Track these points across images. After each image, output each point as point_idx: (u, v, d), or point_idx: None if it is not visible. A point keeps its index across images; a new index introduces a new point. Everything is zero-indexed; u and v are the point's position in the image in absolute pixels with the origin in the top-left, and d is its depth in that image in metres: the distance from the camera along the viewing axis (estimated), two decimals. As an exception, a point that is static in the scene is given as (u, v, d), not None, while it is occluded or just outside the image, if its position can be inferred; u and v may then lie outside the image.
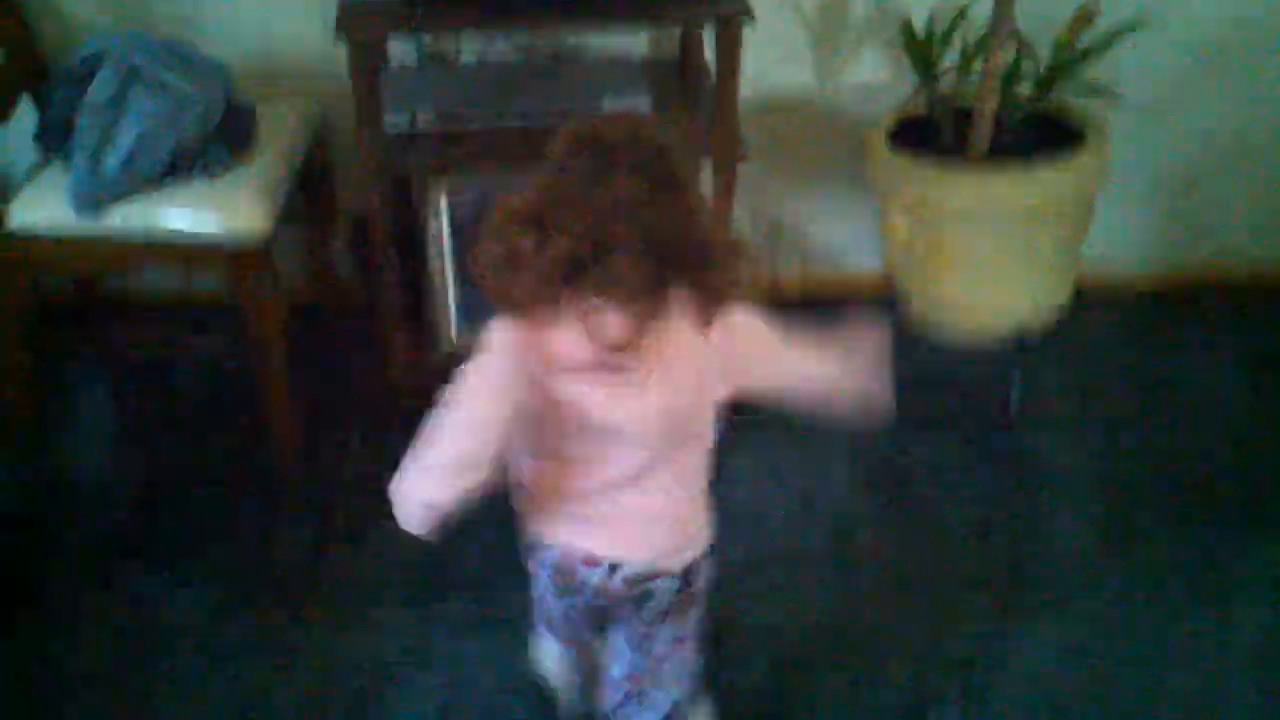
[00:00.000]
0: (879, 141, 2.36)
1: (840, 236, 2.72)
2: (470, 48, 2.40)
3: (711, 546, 1.59)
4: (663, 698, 1.68)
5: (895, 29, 2.39)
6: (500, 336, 1.39)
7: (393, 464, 1.43)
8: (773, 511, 2.23)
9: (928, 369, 2.54)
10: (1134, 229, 2.71)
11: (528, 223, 1.31)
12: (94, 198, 2.07)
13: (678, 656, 1.65)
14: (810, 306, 2.68)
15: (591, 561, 1.52)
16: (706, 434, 1.53)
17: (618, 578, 1.53)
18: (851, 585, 2.11)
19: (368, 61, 2.09)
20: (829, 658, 1.97)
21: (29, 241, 2.13)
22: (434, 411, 1.39)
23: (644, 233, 1.29)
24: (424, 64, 2.33)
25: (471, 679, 1.93)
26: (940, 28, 2.35)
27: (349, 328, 2.61)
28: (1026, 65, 2.31)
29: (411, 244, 2.35)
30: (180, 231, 2.11)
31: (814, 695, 1.92)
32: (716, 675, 1.90)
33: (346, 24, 2.09)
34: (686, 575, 1.56)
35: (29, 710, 1.91)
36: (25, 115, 2.25)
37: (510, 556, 1.69)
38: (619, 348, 1.35)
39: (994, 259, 2.32)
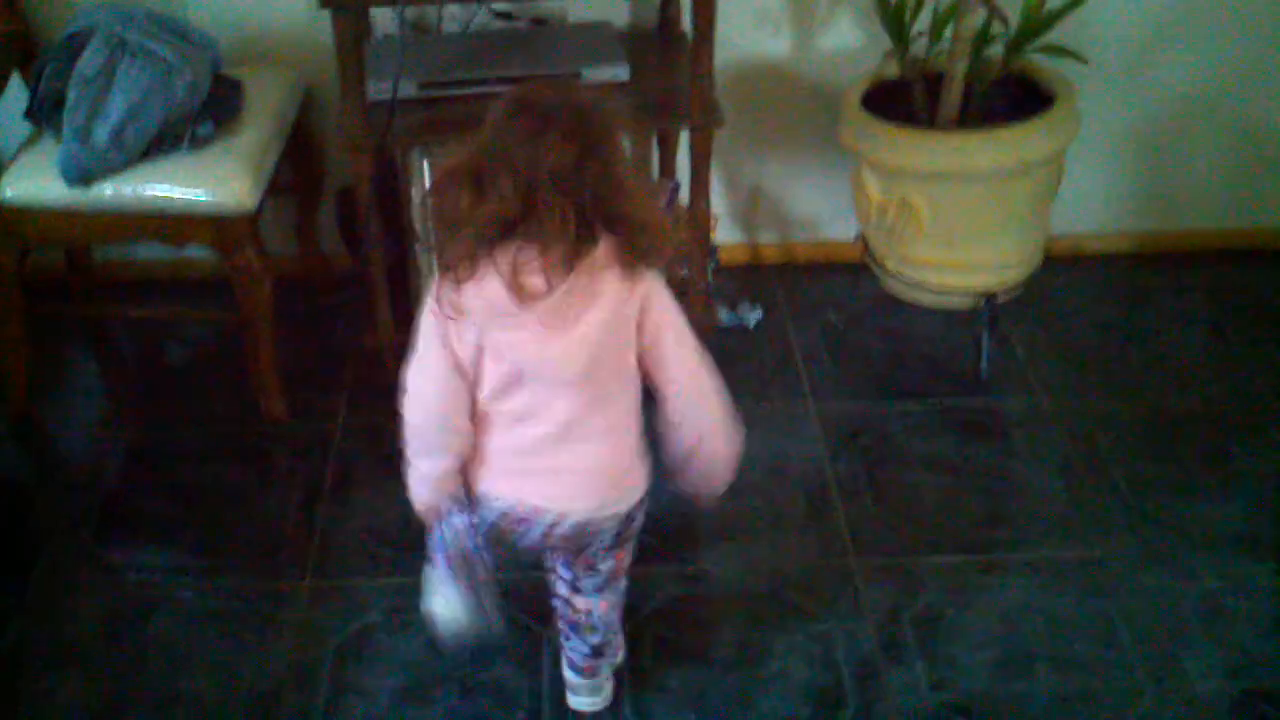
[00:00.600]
0: (852, 104, 2.41)
1: (817, 204, 2.76)
2: (452, 16, 2.44)
3: (646, 493, 1.67)
4: (587, 639, 1.81)
5: (868, -5, 2.43)
6: (439, 294, 1.50)
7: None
8: (745, 474, 2.25)
9: (899, 331, 2.60)
10: (1102, 191, 2.75)
11: (465, 180, 1.44)
12: (84, 169, 2.11)
13: (610, 591, 1.77)
14: (788, 272, 2.77)
15: (537, 512, 1.61)
16: (633, 383, 1.61)
17: (564, 525, 1.62)
18: (821, 545, 2.15)
19: (351, 31, 2.12)
20: (798, 613, 2.02)
21: (21, 213, 2.19)
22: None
23: (571, 194, 1.41)
24: (406, 33, 2.37)
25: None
26: (912, -7, 2.40)
27: (335, 298, 2.66)
28: (996, 29, 2.34)
29: (396, 212, 2.40)
30: (169, 202, 2.16)
31: (784, 649, 1.96)
32: (688, 634, 1.98)
33: (330, -6, 2.13)
34: (626, 519, 1.67)
35: (23, 675, 1.95)
36: (14, 91, 2.30)
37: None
38: (544, 296, 1.46)
39: (966, 221, 2.37)
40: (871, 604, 2.04)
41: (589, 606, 1.78)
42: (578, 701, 1.88)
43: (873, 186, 2.41)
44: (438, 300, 1.51)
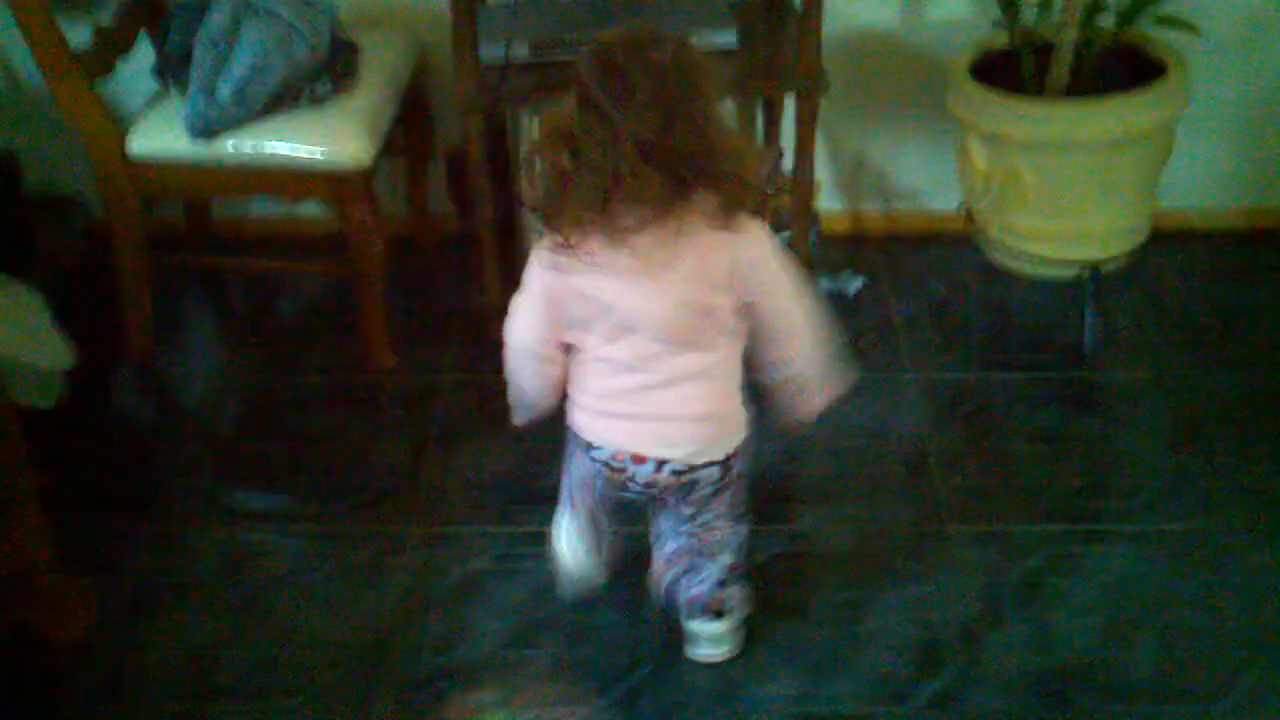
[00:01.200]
0: (960, 73, 2.41)
1: (921, 174, 2.76)
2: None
3: (746, 442, 1.72)
4: (711, 567, 1.83)
5: (977, -36, 2.43)
6: (544, 253, 1.59)
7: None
8: (847, 442, 2.27)
9: (1003, 302, 2.59)
10: (1213, 166, 2.71)
11: (561, 144, 1.50)
12: (209, 124, 2.19)
13: (721, 532, 1.80)
14: (890, 242, 2.77)
15: (640, 459, 1.67)
16: (732, 332, 1.65)
17: (666, 471, 1.67)
18: (920, 511, 2.15)
19: (465, -6, 2.17)
20: (897, 576, 2.03)
21: (147, 166, 2.27)
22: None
23: (658, 158, 1.46)
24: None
25: (552, 589, 2.00)
26: (1022, -39, 2.39)
27: (443, 258, 2.71)
28: (1107, -1, 2.34)
29: (505, 174, 2.44)
30: (288, 158, 2.23)
31: (883, 609, 1.97)
32: (788, 590, 2.00)
33: (445, -42, 2.17)
34: (727, 462, 1.71)
35: (144, 608, 2.03)
36: (140, 52, 2.38)
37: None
38: (637, 250, 1.52)
39: (1071, 191, 2.36)
40: (971, 569, 2.04)
41: (711, 534, 1.81)
42: (699, 652, 1.89)
43: (979, 156, 2.41)
44: (544, 251, 1.59)
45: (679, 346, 1.61)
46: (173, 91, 2.28)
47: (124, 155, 2.26)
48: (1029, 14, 2.40)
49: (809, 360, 1.71)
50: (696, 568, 1.84)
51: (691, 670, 1.89)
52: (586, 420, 1.70)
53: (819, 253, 2.60)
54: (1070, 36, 2.31)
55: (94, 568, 2.05)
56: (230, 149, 2.22)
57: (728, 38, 2.31)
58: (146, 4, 2.42)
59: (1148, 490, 2.18)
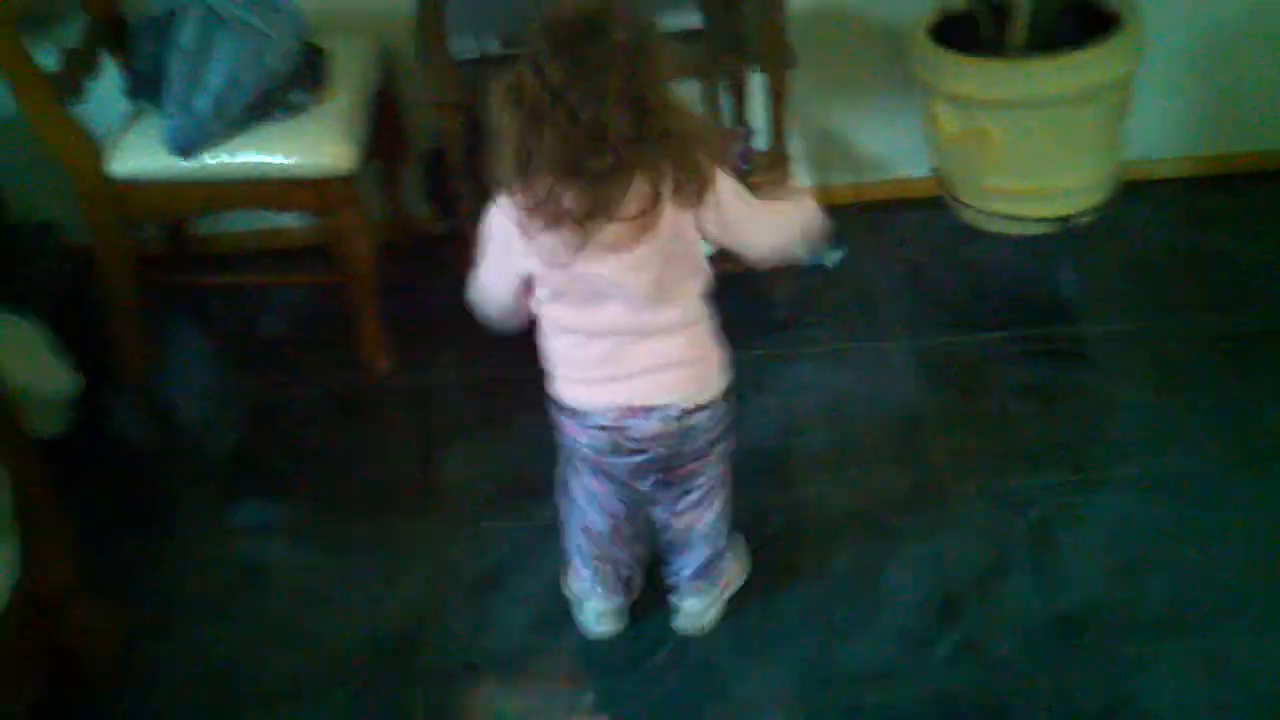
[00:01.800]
0: (921, 38, 2.44)
1: (889, 143, 2.79)
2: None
3: (728, 388, 1.76)
4: (707, 539, 1.89)
5: (931, -73, 2.46)
6: (502, 208, 1.62)
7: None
8: (843, 409, 2.32)
9: (978, 263, 2.63)
10: (1172, 114, 2.75)
11: (519, 115, 1.51)
12: (189, 139, 2.18)
13: (710, 504, 1.86)
14: (863, 212, 2.81)
15: (634, 412, 1.69)
16: (701, 273, 1.68)
17: (664, 418, 1.70)
18: (921, 472, 2.19)
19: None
20: (906, 536, 2.07)
21: (131, 187, 2.25)
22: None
23: (613, 134, 1.46)
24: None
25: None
26: (974, -77, 2.42)
27: (427, 260, 2.70)
28: (1059, -46, 2.37)
29: (483, 170, 2.44)
30: (271, 168, 2.22)
31: (897, 567, 2.02)
32: (803, 557, 2.04)
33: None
34: (714, 415, 1.75)
35: (168, 626, 2.04)
36: (109, 72, 2.36)
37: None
38: (603, 223, 1.53)
39: (1039, 148, 2.39)
40: (976, 524, 2.08)
41: (692, 521, 1.86)
42: (682, 623, 1.95)
43: (946, 119, 2.44)
44: (496, 213, 1.63)
45: (652, 301, 1.64)
46: (147, 109, 2.28)
47: (105, 178, 2.24)
48: (984, -24, 2.44)
49: (794, 232, 1.76)
50: (678, 551, 1.91)
51: (712, 644, 1.93)
52: (574, 391, 1.72)
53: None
54: (1027, -4, 2.35)
55: (112, 590, 2.05)
56: (212, 163, 2.21)
57: (692, 18, 2.33)
58: (109, 23, 2.41)
59: (1137, 435, 2.23)
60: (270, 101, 2.23)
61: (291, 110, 2.25)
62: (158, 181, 2.24)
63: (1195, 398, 2.29)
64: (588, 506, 1.86)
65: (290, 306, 2.70)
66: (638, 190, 1.52)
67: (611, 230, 1.54)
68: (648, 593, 1.98)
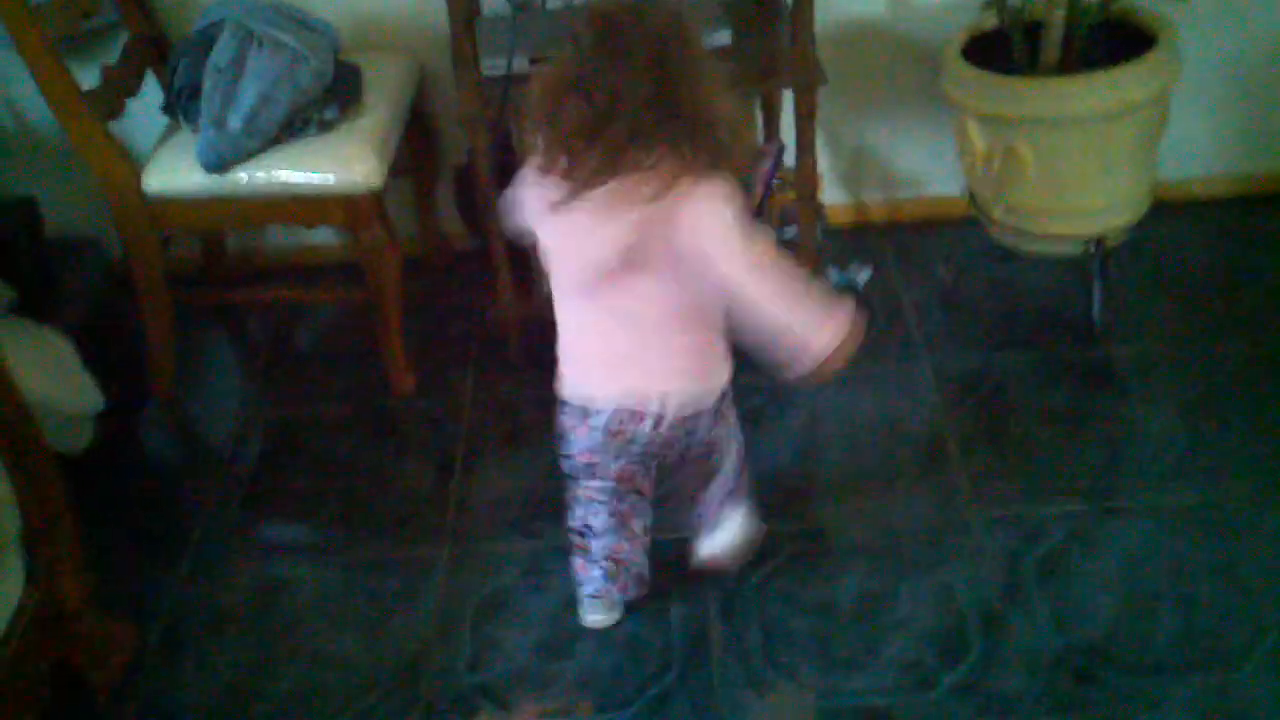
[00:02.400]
0: (953, 56, 2.43)
1: (921, 161, 2.78)
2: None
3: (726, 388, 1.80)
4: (718, 490, 1.95)
5: (963, -53, 2.45)
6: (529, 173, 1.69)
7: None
8: (864, 433, 2.31)
9: (1010, 283, 2.61)
10: (1208, 133, 2.73)
11: (559, 94, 1.59)
12: (221, 156, 2.22)
13: (727, 457, 1.93)
14: (895, 230, 2.80)
15: (637, 417, 1.73)
16: (705, 289, 1.67)
17: (667, 414, 1.74)
18: (940, 497, 2.17)
19: (463, 10, 2.20)
20: (919, 564, 2.05)
21: (164, 203, 2.30)
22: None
23: (639, 119, 1.55)
24: (515, 11, 2.43)
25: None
26: (1007, -58, 2.41)
27: (457, 277, 2.74)
28: (1094, -27, 2.35)
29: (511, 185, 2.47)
30: (300, 185, 2.26)
31: (907, 598, 2.00)
32: (811, 587, 2.03)
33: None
34: (717, 408, 1.80)
35: (182, 641, 2.06)
36: (151, 89, 2.42)
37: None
38: (589, 192, 1.60)
39: (1071, 166, 2.37)
40: (992, 552, 2.06)
41: (711, 470, 1.91)
42: (706, 546, 2.00)
43: (977, 137, 2.43)
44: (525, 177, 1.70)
45: (645, 295, 1.67)
46: (184, 126, 2.32)
47: (140, 194, 2.29)
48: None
49: (783, 321, 1.67)
50: (706, 491, 1.95)
51: (720, 670, 1.92)
52: (579, 385, 1.77)
53: (825, 245, 2.63)
54: (1060, 12, 2.33)
55: (128, 606, 2.09)
56: (244, 180, 2.26)
57: (722, 36, 2.34)
58: (151, 41, 2.47)
59: (1163, 463, 2.20)
60: (303, 118, 2.27)
61: (323, 127, 2.29)
62: (190, 198, 2.29)
63: (1226, 425, 2.25)
64: (587, 511, 1.89)
65: (320, 323, 2.74)
66: (655, 163, 1.58)
67: (612, 187, 1.59)
68: (652, 621, 1.99)
